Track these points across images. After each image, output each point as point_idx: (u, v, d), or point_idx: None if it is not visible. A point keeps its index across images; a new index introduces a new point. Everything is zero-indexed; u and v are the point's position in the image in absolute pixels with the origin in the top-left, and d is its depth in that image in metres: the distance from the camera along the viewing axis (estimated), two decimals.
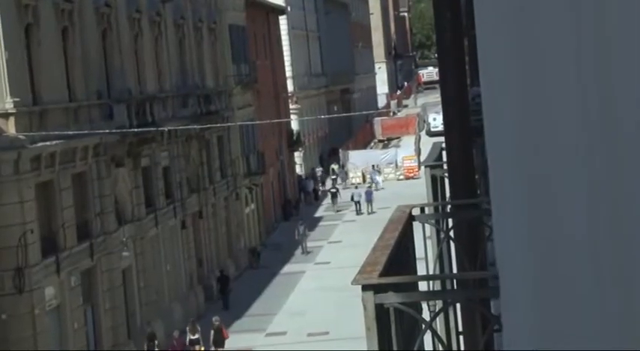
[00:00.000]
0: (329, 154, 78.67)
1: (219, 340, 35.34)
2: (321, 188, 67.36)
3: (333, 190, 62.07)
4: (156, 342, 33.76)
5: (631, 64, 1.78)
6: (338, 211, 60.04)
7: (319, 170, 71.17)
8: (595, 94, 1.89)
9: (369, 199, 58.40)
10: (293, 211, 61.05)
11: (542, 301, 1.98)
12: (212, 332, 35.38)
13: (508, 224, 1.99)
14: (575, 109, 1.93)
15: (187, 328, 35.69)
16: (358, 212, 58.69)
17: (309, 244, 50.33)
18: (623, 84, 1.79)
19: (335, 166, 71.51)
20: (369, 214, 57.24)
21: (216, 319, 35.82)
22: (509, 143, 2.01)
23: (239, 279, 45.51)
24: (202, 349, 34.96)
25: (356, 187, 63.83)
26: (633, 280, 1.83)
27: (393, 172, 71.91)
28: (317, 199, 65.13)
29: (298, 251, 49.44)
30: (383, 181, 68.33)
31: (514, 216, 2.00)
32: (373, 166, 70.50)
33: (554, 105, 1.96)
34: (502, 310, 2.10)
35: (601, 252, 1.91)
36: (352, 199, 59.46)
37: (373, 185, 65.80)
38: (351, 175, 70.91)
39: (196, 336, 35.31)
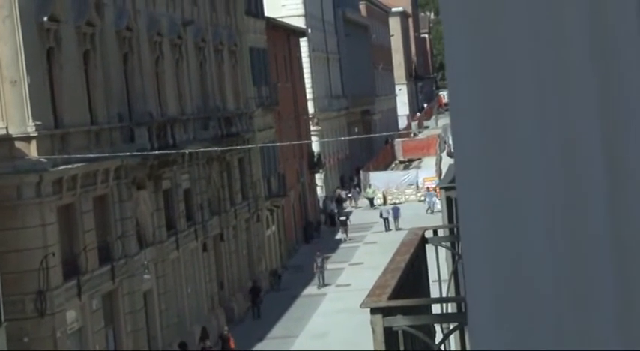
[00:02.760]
0: (350, 176, 78.74)
1: (226, 350, 36.69)
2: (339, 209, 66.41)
3: (343, 218, 61.01)
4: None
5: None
6: (350, 239, 58.50)
7: (338, 192, 70.76)
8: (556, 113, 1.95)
9: (396, 216, 60.09)
10: (314, 234, 61.01)
11: (507, 325, 2.03)
12: (220, 341, 36.82)
13: (475, 248, 2.04)
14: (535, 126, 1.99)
15: (198, 336, 36.72)
16: (387, 229, 59.92)
17: (331, 266, 50.25)
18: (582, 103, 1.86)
19: (370, 190, 71.23)
20: (397, 229, 58.00)
21: (225, 329, 37.17)
22: (476, 163, 2.06)
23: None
24: None
25: (384, 204, 64.57)
26: (591, 291, 1.88)
27: (414, 193, 71.93)
28: (334, 224, 63.26)
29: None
30: (404, 202, 68.30)
31: (481, 240, 2.05)
32: (428, 188, 69.23)
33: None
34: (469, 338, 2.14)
35: (561, 266, 1.96)
36: (381, 216, 61.16)
37: (430, 208, 64.42)
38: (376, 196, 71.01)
39: (207, 343, 36.18)
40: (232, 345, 36.67)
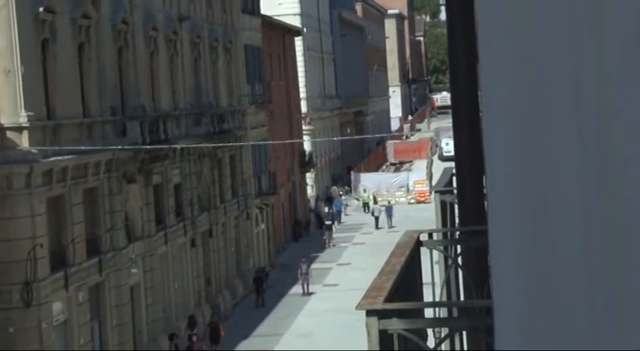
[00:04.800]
0: (340, 176, 78.66)
1: (215, 337, 37.29)
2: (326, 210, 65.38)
3: (328, 223, 59.16)
4: (175, 341, 35.08)
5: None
6: (334, 245, 57.18)
7: (333, 189, 70.72)
8: (593, 121, 1.91)
9: (390, 215, 60.70)
10: (303, 233, 60.84)
11: (535, 328, 1.99)
12: (209, 329, 37.64)
13: (505, 252, 2.00)
14: (573, 136, 1.94)
15: (185, 324, 36.98)
16: (377, 227, 60.63)
17: (319, 266, 50.15)
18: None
19: (365, 194, 70.59)
20: (389, 228, 58.41)
21: (215, 318, 38.05)
22: (508, 168, 2.02)
23: (247, 299, 45.46)
24: None
25: (375, 203, 64.69)
26: (628, 307, 1.84)
27: (404, 195, 71.96)
28: (321, 226, 61.01)
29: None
30: (394, 204, 68.28)
31: (511, 243, 2.01)
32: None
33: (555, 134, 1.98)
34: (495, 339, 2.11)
35: (596, 277, 1.92)
36: (372, 214, 61.97)
37: None
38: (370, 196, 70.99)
39: (194, 331, 36.71)
40: (222, 333, 37.27)
